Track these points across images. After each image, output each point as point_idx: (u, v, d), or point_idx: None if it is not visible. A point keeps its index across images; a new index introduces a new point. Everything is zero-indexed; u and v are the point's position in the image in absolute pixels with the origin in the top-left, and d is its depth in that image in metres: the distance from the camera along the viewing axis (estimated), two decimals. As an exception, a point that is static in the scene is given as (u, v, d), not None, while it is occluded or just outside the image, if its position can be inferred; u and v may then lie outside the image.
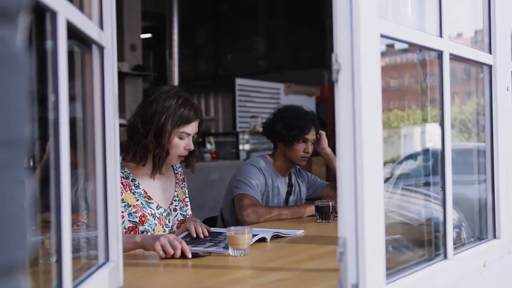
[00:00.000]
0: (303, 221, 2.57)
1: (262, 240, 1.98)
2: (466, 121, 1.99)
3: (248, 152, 6.91)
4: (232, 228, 1.81)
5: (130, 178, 2.13)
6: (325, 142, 2.91)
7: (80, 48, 1.21)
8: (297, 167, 2.97)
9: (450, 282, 1.44)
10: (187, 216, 2.29)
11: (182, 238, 1.93)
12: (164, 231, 2.14)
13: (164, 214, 2.17)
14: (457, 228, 1.62)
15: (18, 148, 0.51)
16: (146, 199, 2.13)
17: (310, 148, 2.80)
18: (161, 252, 1.73)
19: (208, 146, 7.09)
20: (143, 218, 2.08)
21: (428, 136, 1.85)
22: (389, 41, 1.27)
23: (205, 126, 5.52)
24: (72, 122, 0.97)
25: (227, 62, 9.76)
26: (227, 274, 1.59)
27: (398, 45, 1.44)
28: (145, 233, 2.05)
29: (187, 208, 2.32)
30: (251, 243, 1.86)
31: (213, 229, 2.13)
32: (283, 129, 2.77)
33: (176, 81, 8.07)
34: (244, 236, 1.74)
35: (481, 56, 1.68)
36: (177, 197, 2.27)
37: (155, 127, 2.06)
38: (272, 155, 2.90)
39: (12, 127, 0.51)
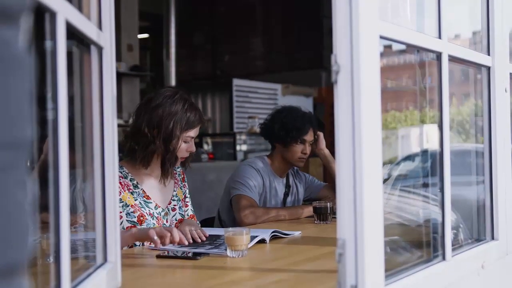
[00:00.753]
0: (301, 222, 2.57)
1: (261, 241, 1.98)
2: (463, 122, 2.00)
3: (245, 153, 6.91)
4: (230, 229, 1.81)
5: (129, 177, 2.14)
6: (322, 143, 2.91)
7: (79, 49, 1.21)
8: (295, 168, 2.97)
9: (448, 284, 1.44)
10: (186, 217, 2.29)
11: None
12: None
13: (162, 213, 2.18)
14: (455, 230, 1.62)
15: (20, 149, 0.51)
16: (144, 198, 2.13)
17: (308, 149, 2.80)
18: (155, 237, 1.77)
19: (205, 147, 7.08)
20: (142, 218, 2.08)
21: (426, 137, 1.85)
22: (386, 42, 1.27)
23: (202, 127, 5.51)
24: (70, 122, 0.96)
25: (224, 62, 9.76)
26: (225, 275, 1.59)
27: (395, 46, 1.44)
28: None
29: (186, 208, 2.32)
30: (250, 245, 1.85)
31: (212, 230, 2.13)
32: (281, 130, 2.77)
33: (173, 82, 8.06)
34: (242, 237, 1.74)
35: (479, 57, 1.69)
36: (176, 196, 2.27)
37: (164, 133, 2.07)
38: (269, 156, 2.90)
39: (15, 128, 0.51)
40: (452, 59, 1.48)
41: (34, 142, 0.55)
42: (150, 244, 2.00)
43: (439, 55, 1.43)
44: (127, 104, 7.15)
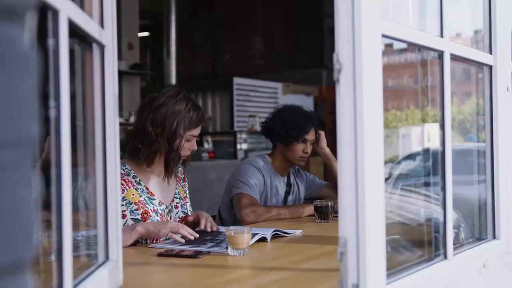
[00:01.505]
0: (302, 221, 2.57)
1: (262, 240, 1.98)
2: (465, 121, 1.99)
3: (246, 152, 6.90)
4: (231, 227, 1.81)
5: (131, 174, 2.15)
6: (323, 142, 2.91)
7: (81, 47, 1.20)
8: (296, 166, 2.96)
9: (450, 283, 1.44)
10: (189, 214, 2.31)
11: (177, 242, 1.94)
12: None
13: (166, 210, 2.20)
14: (457, 229, 1.62)
15: (25, 147, 0.51)
16: (148, 195, 2.15)
17: (309, 149, 2.80)
18: (169, 234, 1.91)
19: (206, 145, 7.08)
20: (145, 215, 2.10)
21: (427, 136, 1.85)
22: (388, 41, 1.27)
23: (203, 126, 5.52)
24: (72, 120, 0.96)
25: (224, 61, 9.76)
26: (226, 274, 1.59)
27: (397, 45, 1.43)
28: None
29: (187, 206, 2.34)
30: (251, 243, 1.86)
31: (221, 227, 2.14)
32: (283, 129, 2.77)
33: (173, 80, 8.06)
34: (244, 235, 1.74)
35: (481, 56, 1.69)
36: (178, 194, 2.29)
37: (167, 132, 2.09)
38: (271, 154, 2.89)
39: (20, 126, 0.50)
40: (454, 57, 1.48)
41: (37, 141, 0.55)
42: (153, 242, 2.01)
43: (440, 54, 1.43)
44: (128, 103, 7.15)
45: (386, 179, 1.90)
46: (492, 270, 1.63)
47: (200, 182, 5.27)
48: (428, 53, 1.55)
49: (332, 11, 1.11)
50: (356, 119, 1.07)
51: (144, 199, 2.13)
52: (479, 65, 1.73)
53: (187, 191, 2.37)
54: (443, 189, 1.43)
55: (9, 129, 0.49)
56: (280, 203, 2.85)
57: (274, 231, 2.07)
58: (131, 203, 2.09)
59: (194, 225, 2.19)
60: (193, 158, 2.34)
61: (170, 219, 2.21)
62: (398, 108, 1.97)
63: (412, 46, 1.50)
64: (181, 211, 2.28)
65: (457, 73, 1.84)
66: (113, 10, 1.28)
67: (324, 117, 7.12)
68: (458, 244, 1.56)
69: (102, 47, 1.24)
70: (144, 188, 2.15)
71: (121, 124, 6.48)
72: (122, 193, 2.07)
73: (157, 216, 2.14)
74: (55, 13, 0.90)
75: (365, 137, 1.07)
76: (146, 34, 9.84)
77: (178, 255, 1.77)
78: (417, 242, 1.61)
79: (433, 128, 1.59)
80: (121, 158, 2.20)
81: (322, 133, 2.91)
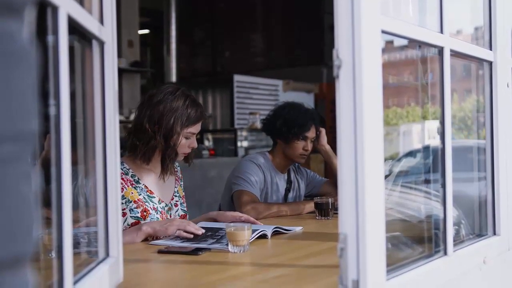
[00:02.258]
0: (302, 218, 2.57)
1: (262, 236, 1.98)
2: (465, 118, 1.99)
3: (246, 149, 6.91)
4: (231, 224, 1.81)
5: (130, 173, 2.15)
6: (324, 139, 2.91)
7: (80, 43, 1.20)
8: (296, 164, 2.97)
9: (450, 279, 1.44)
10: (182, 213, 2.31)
11: (177, 239, 1.94)
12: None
13: (166, 208, 2.20)
14: (457, 225, 1.62)
15: (25, 142, 0.51)
16: (148, 193, 2.15)
17: (310, 146, 2.80)
18: (177, 232, 1.92)
19: (206, 143, 7.08)
20: (145, 213, 2.10)
21: (428, 133, 1.85)
22: (388, 38, 1.27)
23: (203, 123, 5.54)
24: (72, 117, 0.96)
25: (225, 58, 9.76)
26: (227, 271, 1.59)
27: (397, 42, 1.43)
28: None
29: (185, 204, 2.35)
30: (252, 239, 1.86)
31: (213, 225, 2.13)
32: (283, 126, 2.77)
33: (174, 78, 8.07)
34: (244, 232, 1.74)
35: (481, 52, 1.68)
36: (177, 193, 2.30)
37: (164, 128, 2.08)
38: (271, 151, 2.90)
39: (20, 121, 0.51)
40: (454, 54, 1.47)
41: (37, 136, 0.55)
42: (154, 239, 2.01)
43: (440, 50, 1.43)
44: (128, 100, 7.15)
45: (387, 176, 1.91)
46: (492, 266, 1.63)
47: (200, 179, 5.27)
48: (429, 50, 1.55)
49: (332, 8, 1.11)
50: (356, 115, 1.07)
51: (144, 197, 2.13)
52: (479, 61, 1.73)
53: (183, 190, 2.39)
54: (443, 185, 1.43)
55: (8, 124, 0.49)
56: (280, 200, 2.85)
57: (275, 228, 2.07)
58: (131, 202, 2.09)
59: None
60: (195, 153, 2.33)
61: (170, 217, 2.21)
62: (399, 105, 1.97)
63: (413, 43, 1.50)
64: (181, 209, 2.28)
65: (457, 70, 1.84)
66: (112, 6, 1.28)
67: (325, 115, 7.12)
68: (459, 241, 1.56)
69: (101, 44, 1.24)
70: (143, 186, 2.15)
71: (121, 122, 6.49)
72: (122, 191, 2.07)
73: (157, 214, 2.14)
74: (55, 9, 0.90)
75: (365, 133, 1.06)
76: (146, 31, 9.85)
77: (179, 251, 1.77)
78: (417, 239, 1.61)
79: (433, 125, 1.59)
80: (120, 156, 2.20)
81: (323, 130, 2.91)
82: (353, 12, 1.07)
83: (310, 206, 2.65)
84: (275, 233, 2.07)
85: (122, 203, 2.06)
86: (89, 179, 1.31)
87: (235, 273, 1.57)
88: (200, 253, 1.74)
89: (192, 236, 1.93)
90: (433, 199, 1.64)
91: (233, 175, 2.75)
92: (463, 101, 2.04)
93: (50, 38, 0.91)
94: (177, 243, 1.88)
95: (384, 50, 1.20)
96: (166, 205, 2.21)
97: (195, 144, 2.21)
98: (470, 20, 1.95)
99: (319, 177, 3.06)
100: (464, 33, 1.96)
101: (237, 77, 7.59)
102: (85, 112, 1.25)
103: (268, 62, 9.24)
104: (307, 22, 8.63)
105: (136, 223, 2.07)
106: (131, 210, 2.08)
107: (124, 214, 2.06)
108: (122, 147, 2.20)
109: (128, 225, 2.06)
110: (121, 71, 6.95)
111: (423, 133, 1.94)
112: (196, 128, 2.18)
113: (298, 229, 2.20)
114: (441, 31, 1.42)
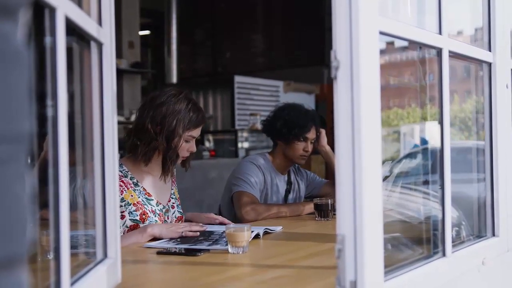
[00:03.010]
0: (302, 219, 2.57)
1: (256, 237, 1.99)
2: (466, 119, 1.99)
3: (247, 150, 6.91)
4: (231, 225, 1.81)
5: (129, 176, 2.15)
6: (324, 140, 2.91)
7: (79, 45, 1.20)
8: (297, 165, 2.97)
9: (448, 280, 1.44)
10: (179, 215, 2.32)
11: (172, 241, 1.94)
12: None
13: (164, 210, 2.20)
14: (456, 227, 1.62)
15: (19, 143, 0.51)
16: (146, 196, 2.15)
17: (310, 147, 2.80)
18: (184, 232, 1.99)
19: (207, 144, 7.08)
20: (144, 216, 2.10)
21: (428, 134, 1.85)
22: (389, 39, 1.27)
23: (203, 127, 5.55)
24: (70, 119, 0.96)
25: (225, 59, 9.76)
26: (226, 271, 1.59)
27: (398, 43, 1.43)
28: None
29: (180, 206, 2.36)
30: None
31: (212, 227, 2.14)
32: (283, 127, 2.77)
33: (174, 79, 8.06)
34: (243, 233, 1.74)
35: (480, 53, 1.68)
36: (174, 195, 2.31)
37: (166, 130, 2.10)
38: (271, 153, 2.90)
39: (14, 122, 0.51)
40: (453, 55, 1.47)
41: (33, 137, 0.55)
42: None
43: (439, 51, 1.42)
44: (128, 101, 7.15)
45: (387, 177, 1.91)
46: (491, 267, 1.63)
47: (201, 180, 5.27)
48: (429, 51, 1.55)
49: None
50: (353, 116, 1.07)
51: (142, 200, 2.14)
52: (479, 62, 1.73)
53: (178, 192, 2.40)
54: (442, 186, 1.43)
55: (2, 124, 0.49)
56: (280, 201, 2.85)
57: (265, 229, 2.09)
58: (130, 204, 2.09)
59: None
60: (194, 157, 2.34)
61: (168, 218, 2.22)
62: (400, 106, 1.97)
63: (413, 44, 1.50)
64: (178, 211, 2.30)
65: (458, 72, 1.84)
66: (111, 7, 1.28)
67: (326, 116, 7.12)
68: (457, 242, 1.56)
69: (100, 45, 1.24)
70: (141, 189, 2.16)
71: (121, 123, 6.49)
72: (121, 194, 2.08)
73: (155, 216, 2.14)
74: (52, 10, 0.90)
75: (363, 134, 1.06)
76: (147, 32, 9.85)
77: (177, 252, 1.77)
78: (416, 240, 1.61)
79: (433, 127, 1.59)
80: (120, 157, 2.21)
81: (323, 131, 2.91)
82: (351, 13, 1.07)
83: (309, 207, 2.65)
84: (275, 233, 2.08)
85: (121, 206, 2.06)
86: (87, 180, 1.31)
87: (234, 274, 1.57)
88: (199, 254, 1.74)
89: (198, 233, 2.00)
90: (432, 200, 1.64)
91: (233, 176, 2.75)
92: (464, 102, 2.04)
93: (47, 39, 0.91)
94: (171, 245, 1.87)
95: (385, 51, 1.20)
96: (164, 207, 2.21)
97: (194, 149, 2.21)
98: (470, 21, 1.95)
99: (319, 178, 3.06)
100: (464, 34, 1.96)
101: (237, 78, 7.59)
102: (83, 114, 1.25)
103: (268, 62, 9.24)
104: (308, 22, 8.63)
105: (135, 226, 2.07)
106: (130, 212, 2.08)
107: (123, 217, 2.06)
108: (121, 148, 2.21)
109: (127, 227, 2.06)
110: (121, 72, 6.95)
111: (423, 134, 1.94)
112: (196, 132, 2.19)
113: (278, 228, 2.20)
114: (440, 32, 1.42)
